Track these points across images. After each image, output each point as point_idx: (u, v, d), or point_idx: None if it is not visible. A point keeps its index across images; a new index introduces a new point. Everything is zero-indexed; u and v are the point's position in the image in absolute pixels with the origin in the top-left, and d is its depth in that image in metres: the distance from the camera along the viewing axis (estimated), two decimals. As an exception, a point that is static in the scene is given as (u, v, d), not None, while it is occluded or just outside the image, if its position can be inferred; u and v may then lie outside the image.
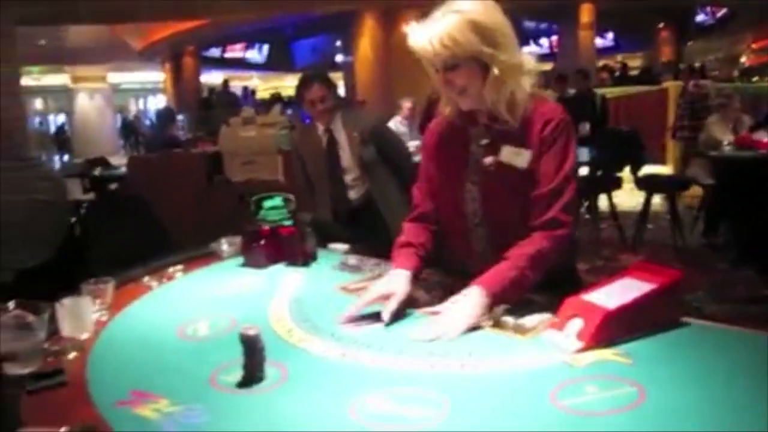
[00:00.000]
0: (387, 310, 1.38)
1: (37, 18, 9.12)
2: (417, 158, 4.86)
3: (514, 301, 1.39)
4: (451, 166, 1.59)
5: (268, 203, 2.04)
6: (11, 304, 1.32)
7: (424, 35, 1.41)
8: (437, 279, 1.64)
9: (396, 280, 1.46)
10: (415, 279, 1.50)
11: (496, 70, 1.42)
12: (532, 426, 0.94)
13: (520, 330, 1.29)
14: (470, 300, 1.35)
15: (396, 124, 6.18)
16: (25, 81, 10.25)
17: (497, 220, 1.54)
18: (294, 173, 3.18)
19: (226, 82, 14.40)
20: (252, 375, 1.11)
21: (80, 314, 1.40)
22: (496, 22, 1.42)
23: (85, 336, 1.38)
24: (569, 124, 1.50)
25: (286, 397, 1.06)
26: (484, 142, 1.53)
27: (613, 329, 1.19)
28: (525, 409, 0.99)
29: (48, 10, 8.78)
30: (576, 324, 1.22)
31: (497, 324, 1.33)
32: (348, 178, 2.91)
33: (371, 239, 2.24)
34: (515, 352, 1.19)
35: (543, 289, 1.44)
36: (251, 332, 1.10)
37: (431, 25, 1.41)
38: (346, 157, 2.88)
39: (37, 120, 21.59)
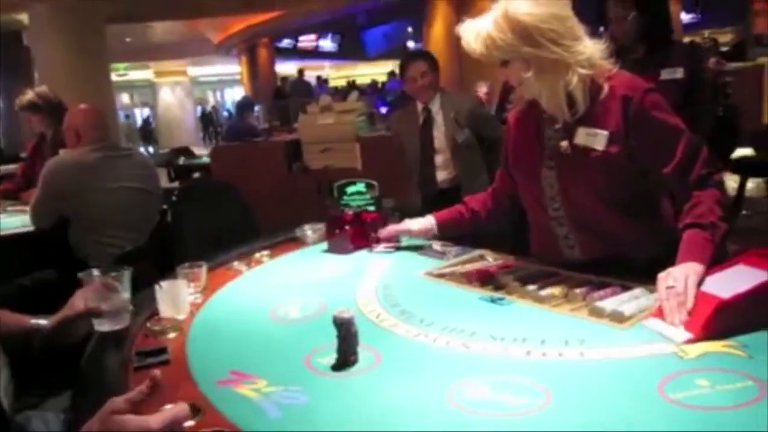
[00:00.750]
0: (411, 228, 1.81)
1: (124, 16, 9.56)
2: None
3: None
4: (529, 152, 1.58)
5: (351, 189, 2.05)
6: (95, 271, 1.41)
7: (471, 35, 1.42)
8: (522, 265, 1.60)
9: (421, 221, 1.81)
10: (441, 228, 1.81)
11: (533, 69, 1.41)
12: (640, 420, 0.89)
13: (618, 318, 1.23)
14: (687, 266, 1.27)
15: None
16: (113, 77, 10.79)
17: (578, 205, 1.51)
18: (374, 160, 3.21)
19: (301, 72, 14.64)
20: (346, 358, 1.11)
21: (177, 296, 1.45)
22: (536, 21, 1.38)
23: (182, 317, 1.43)
24: (652, 92, 1.44)
25: (381, 382, 1.06)
26: (558, 126, 1.51)
27: (727, 320, 1.11)
28: (631, 401, 0.94)
29: (134, 6, 9.18)
30: (684, 313, 1.15)
31: (593, 311, 1.28)
32: (439, 159, 2.95)
33: None
34: (615, 341, 1.14)
35: (642, 276, 1.38)
36: (345, 315, 1.11)
37: (477, 24, 1.42)
38: (440, 137, 2.93)
39: (123, 114, 22.76)
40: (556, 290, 1.38)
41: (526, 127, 1.60)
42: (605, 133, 1.43)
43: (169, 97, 21.88)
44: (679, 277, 1.22)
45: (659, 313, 1.20)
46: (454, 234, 1.85)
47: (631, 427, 0.87)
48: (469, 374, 1.05)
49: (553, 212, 1.56)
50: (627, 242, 1.51)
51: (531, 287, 1.40)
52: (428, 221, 1.81)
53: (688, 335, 1.11)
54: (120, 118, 13.75)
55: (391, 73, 15.13)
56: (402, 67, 3.00)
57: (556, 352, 1.11)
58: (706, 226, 1.34)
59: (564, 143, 1.49)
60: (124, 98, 22.81)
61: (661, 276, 1.25)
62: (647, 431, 0.86)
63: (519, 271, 1.52)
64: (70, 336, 1.36)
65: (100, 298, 1.33)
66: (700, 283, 1.22)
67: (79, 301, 1.35)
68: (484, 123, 3.00)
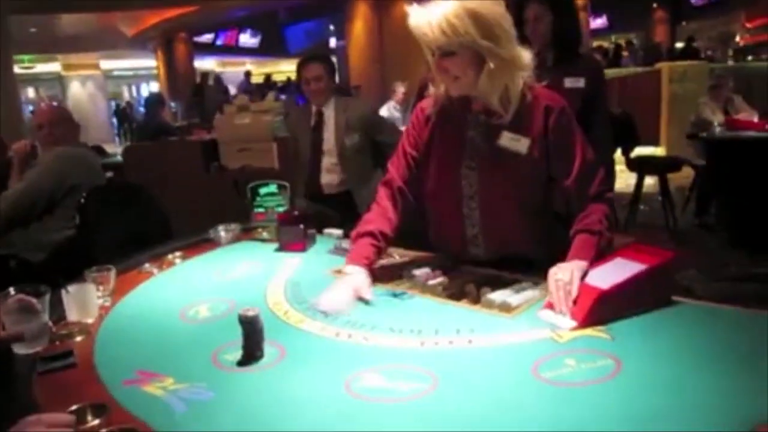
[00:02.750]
0: (367, 296, 1.44)
1: (29, 6, 9.06)
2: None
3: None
4: (446, 148, 1.61)
5: (263, 190, 2.09)
6: (11, 290, 1.37)
7: (423, 18, 1.43)
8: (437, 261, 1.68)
9: (357, 278, 1.49)
10: (369, 269, 1.55)
11: (491, 64, 1.45)
12: (515, 399, 1.00)
13: (506, 308, 1.35)
14: (574, 263, 1.39)
15: (390, 108, 6.21)
16: (17, 70, 10.18)
17: (493, 206, 1.58)
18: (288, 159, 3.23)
19: (218, 78, 14.32)
20: (252, 354, 1.17)
21: (85, 300, 1.46)
22: (495, 15, 1.44)
23: (90, 320, 1.44)
24: (569, 108, 1.56)
25: (284, 375, 1.12)
26: (481, 127, 1.55)
27: (606, 309, 1.25)
28: (508, 382, 1.06)
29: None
30: (569, 302, 1.28)
31: (484, 303, 1.39)
32: (326, 162, 2.96)
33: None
34: (501, 329, 1.26)
35: (529, 270, 1.52)
36: (250, 313, 1.16)
37: (432, 8, 1.43)
38: (329, 140, 2.94)
39: (30, 108, 21.49)
40: (454, 284, 1.49)
41: (446, 125, 1.62)
42: (527, 139, 1.52)
43: (80, 91, 20.85)
44: (566, 271, 1.36)
45: (550, 306, 1.32)
46: None
47: (505, 404, 0.99)
48: (366, 365, 1.13)
49: (467, 211, 1.61)
50: (528, 243, 1.62)
51: (432, 282, 1.51)
52: (364, 278, 1.51)
53: (574, 323, 1.24)
54: (25, 113, 13.00)
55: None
56: (298, 70, 3.02)
57: (447, 341, 1.21)
58: (594, 232, 1.47)
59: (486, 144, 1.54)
60: (30, 92, 21.52)
61: (552, 271, 1.38)
62: (519, 408, 0.97)
63: (422, 267, 1.62)
64: None
65: (19, 321, 1.28)
66: (583, 276, 1.35)
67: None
68: (377, 127, 3.01)
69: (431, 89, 1.63)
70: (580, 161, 1.53)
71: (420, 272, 1.54)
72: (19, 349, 1.31)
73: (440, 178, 1.63)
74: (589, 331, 1.22)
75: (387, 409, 0.99)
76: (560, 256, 1.45)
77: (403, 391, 1.04)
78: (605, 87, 2.61)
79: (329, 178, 2.98)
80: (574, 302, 1.29)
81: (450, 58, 1.46)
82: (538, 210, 1.61)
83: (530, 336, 1.22)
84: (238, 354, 1.18)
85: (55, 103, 2.81)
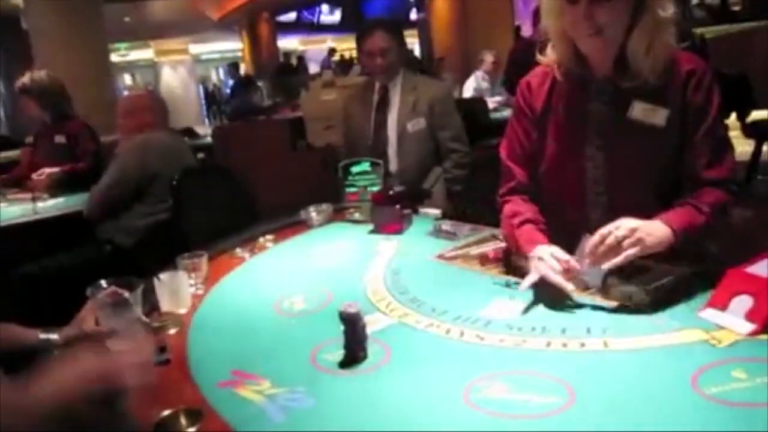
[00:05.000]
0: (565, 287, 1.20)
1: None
2: (499, 114, 4.61)
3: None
4: (565, 125, 1.39)
5: (355, 168, 1.97)
6: (103, 283, 1.32)
7: None
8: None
9: (546, 260, 1.24)
10: None
11: (651, 17, 1.24)
12: (674, 420, 0.82)
13: (643, 303, 1.15)
14: (654, 225, 1.20)
15: (477, 79, 5.94)
16: (114, 58, 10.65)
17: (623, 189, 1.35)
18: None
19: (300, 57, 14.41)
20: (354, 355, 1.05)
21: (178, 289, 1.39)
22: None
23: (183, 311, 1.37)
24: (714, 78, 1.31)
25: (391, 380, 0.99)
26: (606, 97, 1.33)
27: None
28: (663, 399, 0.87)
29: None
30: (744, 302, 1.05)
31: (615, 296, 1.20)
32: (391, 150, 2.50)
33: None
34: (640, 330, 1.07)
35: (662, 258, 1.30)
36: (351, 310, 1.04)
37: None
38: (393, 123, 2.50)
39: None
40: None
41: (558, 99, 1.40)
42: (665, 110, 1.29)
43: (171, 76, 21.67)
44: (627, 226, 1.16)
45: (717, 302, 1.10)
46: None
47: (665, 427, 0.81)
48: (486, 369, 0.98)
49: (592, 196, 1.39)
50: None
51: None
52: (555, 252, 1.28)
53: (752, 327, 1.02)
54: (123, 100, 13.69)
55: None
56: (358, 42, 2.53)
57: (578, 343, 1.04)
58: (702, 210, 1.25)
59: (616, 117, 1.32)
60: (127, 79, 22.63)
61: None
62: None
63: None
64: None
65: (112, 315, 1.24)
66: (753, 266, 1.10)
67: (89, 320, 1.26)
68: (444, 118, 2.50)
69: (547, 56, 1.41)
70: (708, 129, 1.29)
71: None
72: (114, 346, 1.25)
73: (560, 160, 1.41)
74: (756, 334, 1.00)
75: (517, 427, 0.84)
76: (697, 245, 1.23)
77: (534, 405, 0.88)
78: None
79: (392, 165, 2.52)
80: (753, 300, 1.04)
81: (603, 4, 1.23)
82: (666, 193, 1.37)
83: (678, 339, 1.03)
84: (338, 353, 1.06)
85: (133, 92, 2.85)
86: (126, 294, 1.26)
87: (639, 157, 1.32)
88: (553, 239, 1.45)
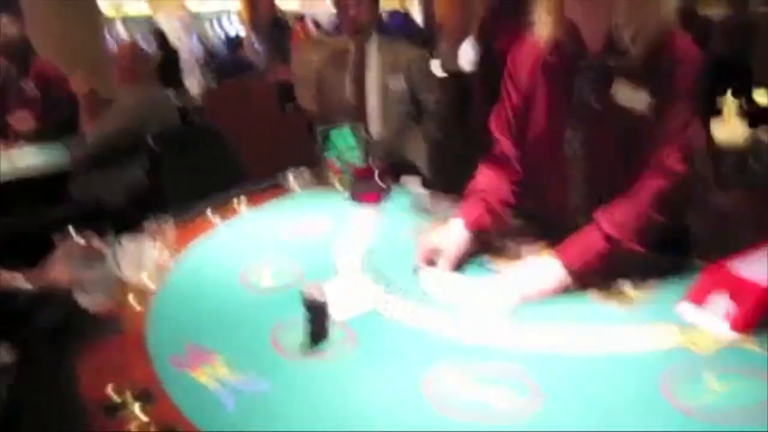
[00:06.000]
0: (432, 270, 1.22)
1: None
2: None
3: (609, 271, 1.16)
4: (547, 105, 1.32)
5: (338, 138, 1.89)
6: (72, 231, 1.24)
7: None
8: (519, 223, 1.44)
9: (450, 236, 1.28)
10: (478, 235, 1.32)
11: None
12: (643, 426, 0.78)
13: (620, 297, 1.12)
14: (544, 270, 1.16)
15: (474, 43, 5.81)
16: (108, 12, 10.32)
17: (601, 173, 1.29)
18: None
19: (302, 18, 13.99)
20: (315, 338, 1.00)
21: (140, 255, 1.33)
22: None
23: (145, 278, 1.31)
24: (701, 64, 1.23)
25: (351, 366, 0.95)
26: (591, 73, 1.25)
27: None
28: (630, 407, 0.82)
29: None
30: (722, 302, 1.00)
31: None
32: (371, 112, 2.30)
33: None
34: (615, 325, 1.02)
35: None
36: (315, 293, 0.99)
37: None
38: (372, 82, 2.29)
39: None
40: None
41: (544, 74, 1.32)
42: (648, 96, 1.20)
43: (168, 31, 21.25)
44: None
45: (694, 298, 1.04)
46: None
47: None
48: (452, 362, 0.94)
49: (572, 179, 1.33)
50: None
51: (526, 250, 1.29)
52: (455, 233, 1.31)
53: (728, 329, 0.97)
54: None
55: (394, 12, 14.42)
56: None
57: (547, 335, 1.00)
58: (606, 235, 1.17)
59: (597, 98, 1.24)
60: (121, 33, 22.18)
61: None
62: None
63: (515, 234, 1.39)
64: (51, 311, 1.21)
65: (82, 267, 1.17)
66: (734, 263, 1.05)
67: (61, 270, 1.18)
68: (425, 77, 2.32)
69: (539, 31, 1.32)
70: (672, 114, 1.20)
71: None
72: (81, 299, 1.18)
73: (539, 141, 1.34)
74: (737, 342, 0.95)
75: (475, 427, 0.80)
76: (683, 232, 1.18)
77: (497, 406, 0.84)
78: None
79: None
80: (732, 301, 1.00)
81: None
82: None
83: (653, 340, 0.97)
84: (299, 335, 1.01)
85: (131, 41, 2.82)
86: (101, 245, 1.21)
87: (618, 141, 1.25)
88: (535, 220, 1.43)
